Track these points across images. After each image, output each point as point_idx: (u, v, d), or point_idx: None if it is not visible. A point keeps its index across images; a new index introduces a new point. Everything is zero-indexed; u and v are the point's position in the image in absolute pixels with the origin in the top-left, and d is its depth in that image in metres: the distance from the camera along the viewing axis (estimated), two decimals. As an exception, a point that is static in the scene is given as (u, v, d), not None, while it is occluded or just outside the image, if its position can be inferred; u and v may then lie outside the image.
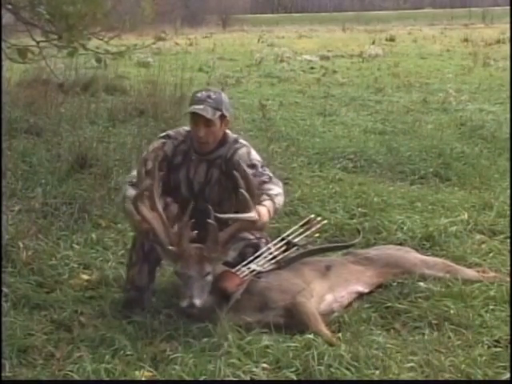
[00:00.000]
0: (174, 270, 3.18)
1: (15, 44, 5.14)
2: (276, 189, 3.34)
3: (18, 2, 5.21)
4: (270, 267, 3.30)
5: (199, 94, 3.41)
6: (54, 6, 5.09)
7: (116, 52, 5.58)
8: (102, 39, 5.50)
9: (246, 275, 3.19)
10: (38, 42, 5.18)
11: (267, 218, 3.19)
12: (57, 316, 3.27)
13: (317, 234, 3.43)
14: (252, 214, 3.09)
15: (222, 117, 3.41)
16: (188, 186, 3.50)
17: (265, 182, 3.36)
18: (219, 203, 3.45)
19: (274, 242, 3.43)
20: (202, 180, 3.49)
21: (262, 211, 3.16)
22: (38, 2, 5.12)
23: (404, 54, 18.73)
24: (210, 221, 3.10)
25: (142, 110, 8.38)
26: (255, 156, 3.47)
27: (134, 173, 3.32)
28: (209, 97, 3.38)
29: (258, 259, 3.28)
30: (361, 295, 3.48)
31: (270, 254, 3.33)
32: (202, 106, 3.34)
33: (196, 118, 3.37)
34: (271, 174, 3.44)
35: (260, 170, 3.41)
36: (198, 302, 3.01)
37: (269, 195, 3.28)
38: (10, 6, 5.11)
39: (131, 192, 3.23)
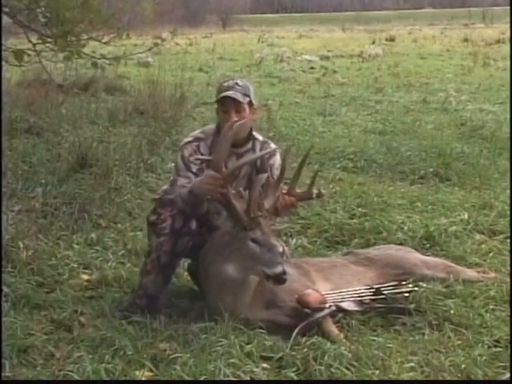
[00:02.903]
0: (248, 237, 3.11)
1: (10, 47, 5.14)
2: None
3: (14, 5, 5.21)
4: (355, 308, 3.30)
5: (226, 83, 3.44)
6: (51, 11, 5.09)
7: (112, 57, 5.58)
8: (99, 40, 5.50)
9: (330, 305, 3.21)
10: (34, 45, 5.18)
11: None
12: (57, 316, 3.27)
13: (406, 294, 3.40)
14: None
15: (250, 104, 3.43)
16: None
17: None
18: None
19: (364, 287, 3.44)
20: None
21: None
22: (35, 5, 5.12)
23: (404, 54, 18.75)
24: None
25: (141, 110, 8.39)
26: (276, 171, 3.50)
27: (182, 181, 3.33)
28: (236, 84, 3.40)
29: (347, 297, 3.31)
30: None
31: (358, 296, 3.35)
32: (231, 92, 3.35)
33: (226, 103, 3.37)
34: None
35: None
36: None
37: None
38: (7, 9, 5.11)
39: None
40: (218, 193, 3.12)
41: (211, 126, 3.54)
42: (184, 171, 3.37)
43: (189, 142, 3.46)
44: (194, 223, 3.34)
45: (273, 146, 3.55)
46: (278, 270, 3.03)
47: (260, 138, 3.56)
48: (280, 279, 3.04)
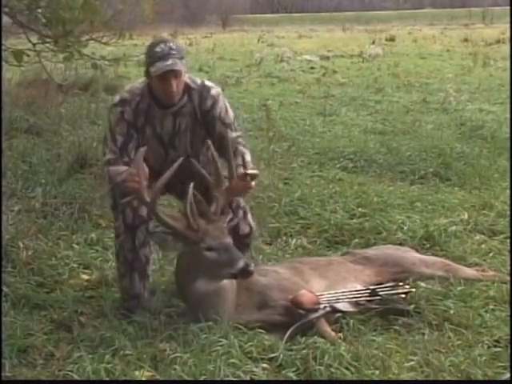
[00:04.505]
0: (202, 248, 3.09)
1: (10, 47, 5.14)
2: (248, 153, 3.40)
3: (14, 5, 5.22)
4: (350, 309, 3.28)
5: (159, 49, 3.23)
6: (51, 11, 5.10)
7: (112, 59, 5.58)
8: (99, 41, 5.50)
9: (325, 306, 3.19)
10: (34, 45, 5.19)
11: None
12: (57, 316, 3.28)
13: (403, 296, 3.37)
14: (255, 171, 3.21)
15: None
16: (158, 140, 3.43)
17: (239, 143, 3.42)
18: (192, 150, 3.46)
19: (360, 288, 3.41)
20: (170, 131, 3.41)
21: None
22: (36, 6, 5.13)
23: (404, 54, 18.73)
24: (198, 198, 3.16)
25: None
26: (230, 113, 3.46)
27: (109, 156, 3.31)
28: (171, 48, 3.23)
29: (342, 298, 3.29)
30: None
31: (354, 297, 3.33)
32: (170, 61, 3.20)
33: (166, 73, 3.23)
34: (241, 133, 3.50)
35: (234, 127, 3.46)
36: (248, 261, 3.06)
37: (244, 161, 3.32)
38: (6, 9, 5.11)
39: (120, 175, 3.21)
40: (138, 193, 3.08)
41: (139, 86, 3.39)
42: (111, 142, 3.33)
43: (115, 106, 3.36)
44: (144, 209, 3.28)
45: (213, 91, 3.42)
46: (240, 264, 3.04)
47: (197, 82, 3.41)
48: (246, 272, 3.04)
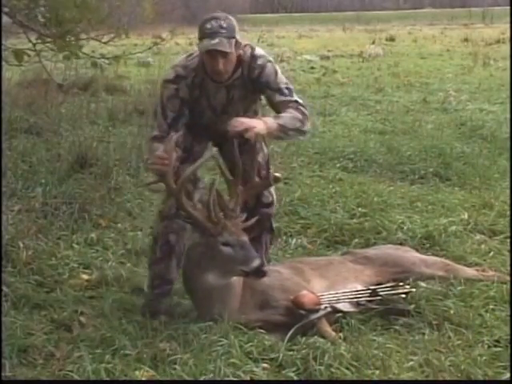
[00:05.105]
0: (219, 242, 3.09)
1: (10, 47, 5.15)
2: (293, 112, 3.32)
3: (14, 5, 5.23)
4: (351, 310, 3.28)
5: (209, 25, 3.20)
6: (49, 10, 5.11)
7: (111, 57, 5.59)
8: (99, 40, 5.51)
9: (326, 306, 3.19)
10: (34, 45, 5.20)
11: (261, 126, 3.19)
12: (57, 316, 3.27)
13: (403, 296, 3.37)
14: (279, 175, 3.30)
15: (236, 42, 3.28)
16: (211, 110, 3.43)
17: (290, 106, 3.35)
18: (244, 114, 3.46)
19: (360, 288, 3.41)
20: (224, 102, 3.41)
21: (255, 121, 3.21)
22: (35, 5, 5.14)
23: (404, 54, 18.71)
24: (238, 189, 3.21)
25: (141, 109, 8.38)
26: (280, 78, 3.41)
27: (156, 132, 3.32)
28: (221, 27, 3.19)
29: (342, 298, 3.29)
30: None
31: (355, 297, 3.33)
32: (217, 40, 3.17)
33: (212, 54, 3.22)
34: (296, 98, 3.40)
35: (284, 92, 3.38)
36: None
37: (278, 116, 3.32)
38: (6, 9, 5.12)
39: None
40: (165, 177, 3.07)
41: (193, 61, 3.37)
42: (161, 117, 3.32)
43: (169, 82, 3.34)
44: (197, 194, 3.29)
45: (260, 61, 3.36)
46: (256, 263, 3.05)
47: (248, 53, 3.35)
48: (259, 272, 3.05)
